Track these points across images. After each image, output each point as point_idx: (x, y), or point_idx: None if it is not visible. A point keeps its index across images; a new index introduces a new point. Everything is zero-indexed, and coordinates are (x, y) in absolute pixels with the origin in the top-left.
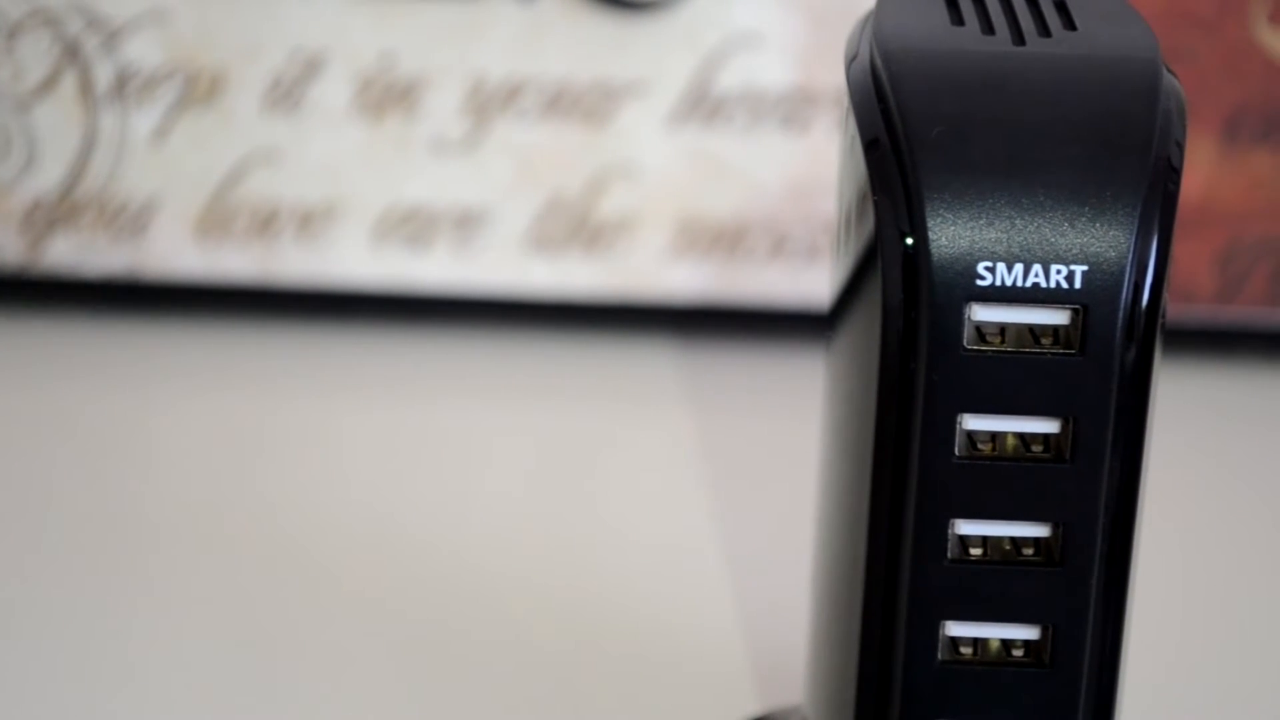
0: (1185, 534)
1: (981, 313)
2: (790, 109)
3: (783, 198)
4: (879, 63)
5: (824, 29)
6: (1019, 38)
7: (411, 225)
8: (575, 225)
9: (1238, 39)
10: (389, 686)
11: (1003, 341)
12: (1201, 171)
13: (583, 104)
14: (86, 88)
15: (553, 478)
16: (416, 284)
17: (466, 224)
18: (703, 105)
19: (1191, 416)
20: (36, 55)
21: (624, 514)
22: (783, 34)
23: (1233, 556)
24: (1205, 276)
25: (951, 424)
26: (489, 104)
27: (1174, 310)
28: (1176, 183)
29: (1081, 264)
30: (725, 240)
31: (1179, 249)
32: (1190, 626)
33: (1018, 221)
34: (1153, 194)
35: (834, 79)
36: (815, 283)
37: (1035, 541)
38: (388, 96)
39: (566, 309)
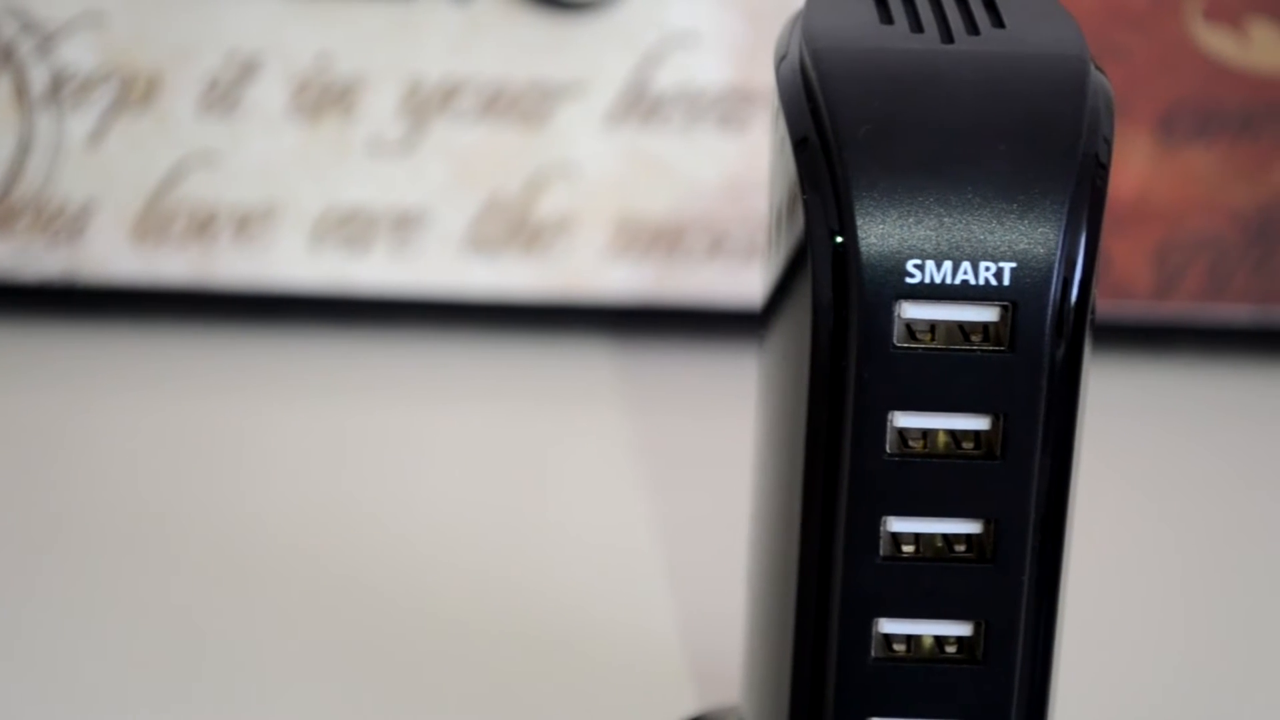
0: (1121, 529)
1: (911, 310)
2: (728, 108)
3: (721, 197)
4: (808, 62)
5: (761, 28)
6: (947, 36)
7: (350, 227)
8: (514, 226)
9: (1172, 36)
10: (325, 687)
11: (933, 339)
12: (1137, 168)
13: (520, 105)
14: (22, 91)
15: (492, 478)
16: (355, 286)
17: (405, 225)
18: (640, 105)
19: (1129, 413)
20: None
21: (563, 513)
22: (720, 33)
23: (1168, 552)
24: (1142, 273)
25: (882, 421)
26: (426, 105)
27: (1111, 306)
28: (1105, 179)
29: (1010, 261)
30: (664, 240)
31: (1116, 246)
32: (1125, 621)
33: (946, 219)
34: (1080, 190)
35: (771, 78)
36: (753, 281)
37: (967, 538)
38: (325, 98)
39: (505, 309)
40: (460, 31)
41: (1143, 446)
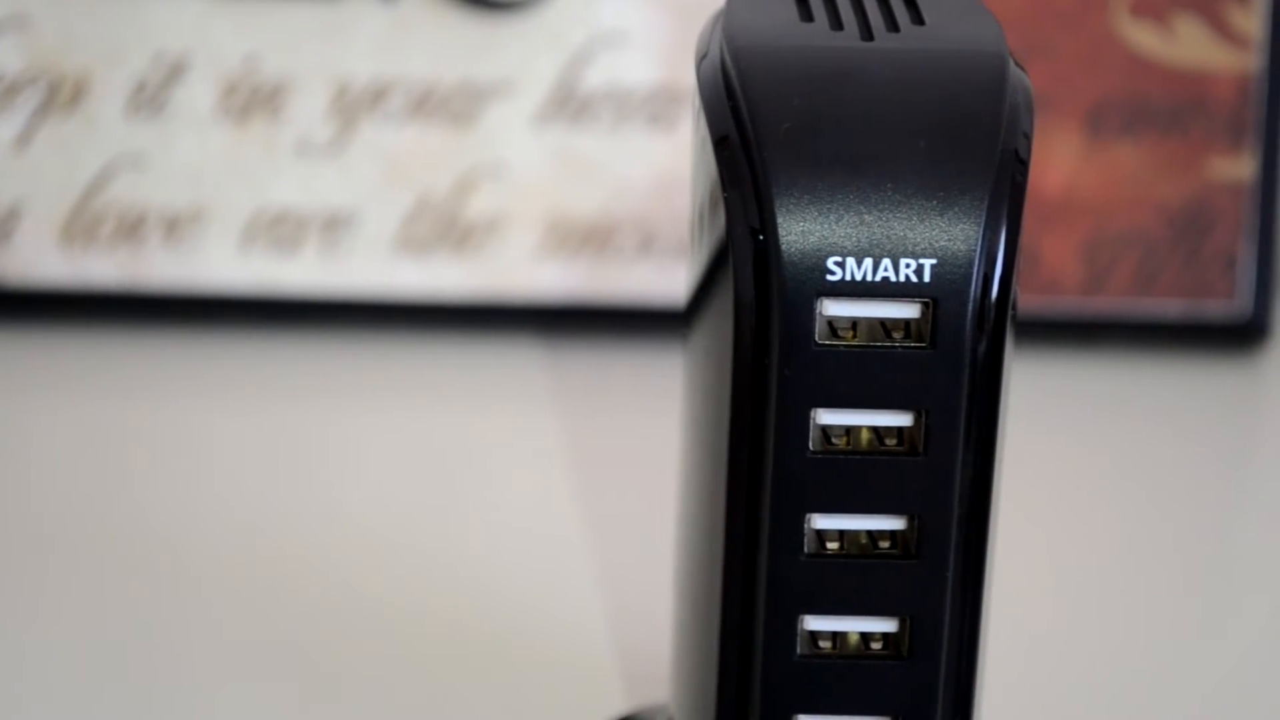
0: (1050, 525)
1: (832, 307)
2: (657, 107)
3: (651, 196)
4: (728, 60)
5: (689, 26)
6: (867, 33)
7: (279, 229)
8: (444, 226)
9: (1099, 32)
10: (257, 689)
11: (854, 336)
12: (1065, 164)
13: (449, 105)
14: None
15: (423, 477)
16: (285, 287)
17: (334, 226)
18: (569, 104)
19: (1059, 408)
20: None
21: (494, 512)
22: (648, 32)
23: (1098, 546)
24: (1071, 268)
25: (805, 419)
26: (355, 106)
27: (1041, 302)
28: (1024, 175)
29: (930, 257)
30: (594, 239)
31: (1045, 242)
32: (1053, 616)
33: (867, 216)
34: (1000, 186)
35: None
36: (683, 280)
37: (891, 534)
38: (253, 100)
39: (435, 310)
40: (388, 32)
41: (1072, 441)
